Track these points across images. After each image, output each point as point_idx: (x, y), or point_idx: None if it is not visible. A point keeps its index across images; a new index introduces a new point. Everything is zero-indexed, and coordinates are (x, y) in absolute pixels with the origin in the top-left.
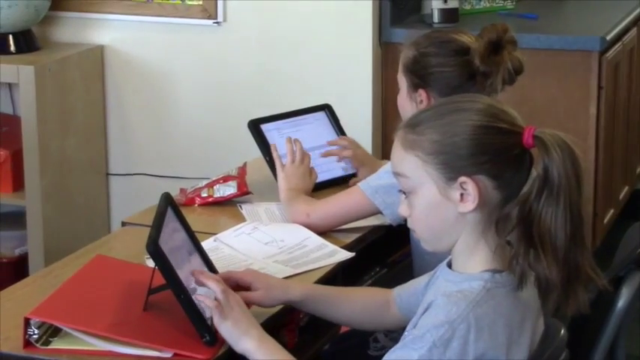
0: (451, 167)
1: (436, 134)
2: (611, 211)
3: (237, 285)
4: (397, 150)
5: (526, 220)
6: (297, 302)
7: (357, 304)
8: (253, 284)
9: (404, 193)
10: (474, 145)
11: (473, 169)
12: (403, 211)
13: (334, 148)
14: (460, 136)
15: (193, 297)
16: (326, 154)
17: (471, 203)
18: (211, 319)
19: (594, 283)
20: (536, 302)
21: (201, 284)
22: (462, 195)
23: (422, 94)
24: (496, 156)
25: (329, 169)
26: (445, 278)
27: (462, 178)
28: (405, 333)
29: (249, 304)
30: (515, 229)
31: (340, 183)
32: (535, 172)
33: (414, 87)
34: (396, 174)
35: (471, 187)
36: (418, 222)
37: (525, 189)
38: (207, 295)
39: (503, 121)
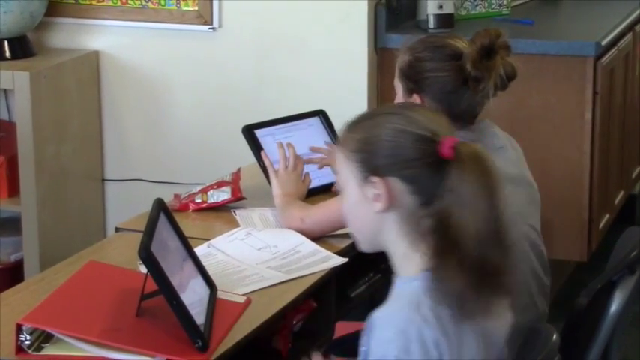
0: (367, 166)
1: (362, 134)
2: (607, 216)
3: None
4: (336, 147)
5: (436, 228)
6: None
7: None
8: None
9: (339, 191)
10: (390, 147)
11: (386, 170)
12: (342, 207)
13: (317, 155)
14: (379, 137)
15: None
16: (306, 162)
17: (381, 204)
18: (204, 324)
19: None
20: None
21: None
22: (376, 195)
23: (416, 99)
24: (411, 161)
25: (324, 174)
26: (394, 285)
27: (375, 178)
28: (362, 348)
29: None
30: (432, 238)
31: None
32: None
33: (409, 92)
34: (334, 171)
35: (381, 187)
36: (347, 220)
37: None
38: (199, 301)
39: (424, 129)
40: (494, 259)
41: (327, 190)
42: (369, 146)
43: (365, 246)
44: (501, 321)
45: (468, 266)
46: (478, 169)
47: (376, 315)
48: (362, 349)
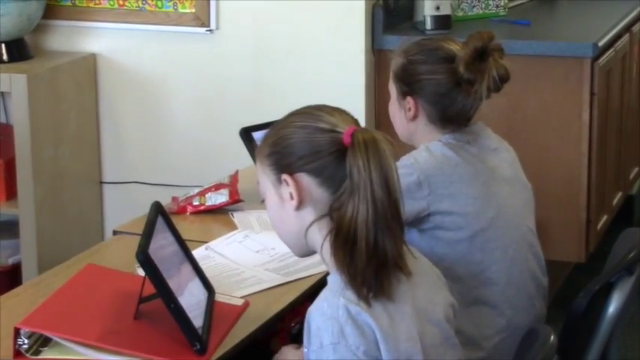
0: (278, 167)
1: (272, 137)
2: (605, 217)
3: None
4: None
5: (336, 216)
6: None
7: None
8: None
9: (263, 200)
10: (293, 144)
11: (293, 167)
12: (269, 215)
13: None
14: (284, 137)
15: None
16: None
17: (294, 201)
18: (202, 327)
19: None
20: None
21: None
22: (290, 194)
23: (410, 101)
24: (314, 154)
25: None
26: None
27: (284, 176)
28: (304, 350)
29: None
30: (329, 224)
31: None
32: None
33: (403, 95)
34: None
35: (291, 184)
36: (275, 227)
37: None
38: (197, 304)
39: (325, 122)
40: (386, 243)
41: None
42: (278, 147)
43: (297, 251)
44: (435, 299)
45: (364, 251)
46: (370, 152)
47: (307, 312)
48: (304, 350)
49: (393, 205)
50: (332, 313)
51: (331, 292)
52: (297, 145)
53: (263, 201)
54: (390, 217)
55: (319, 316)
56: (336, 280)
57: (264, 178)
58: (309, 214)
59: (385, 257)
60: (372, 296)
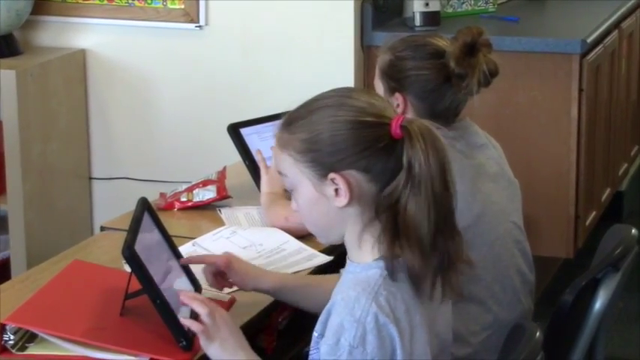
0: (321, 164)
1: (304, 133)
2: (594, 213)
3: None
4: (275, 150)
5: (392, 210)
6: (270, 292)
7: (327, 293)
8: (228, 274)
9: (289, 191)
10: (340, 141)
11: (342, 164)
12: (293, 206)
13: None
14: (325, 134)
15: (181, 320)
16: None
17: (343, 198)
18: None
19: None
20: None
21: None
22: (336, 190)
23: (398, 97)
24: (364, 150)
25: None
26: (346, 270)
27: (332, 175)
28: (315, 334)
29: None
30: (384, 219)
31: None
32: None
33: (391, 91)
34: (279, 173)
35: (341, 182)
36: (304, 218)
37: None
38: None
39: (368, 114)
40: (447, 239)
41: None
42: (317, 144)
43: (322, 238)
44: (442, 308)
45: (424, 245)
46: (428, 142)
47: (333, 298)
48: (314, 334)
49: (449, 198)
50: (360, 317)
51: (365, 292)
52: (341, 142)
53: (287, 191)
54: (447, 211)
55: (346, 314)
56: (372, 276)
57: (296, 173)
58: (352, 209)
59: (447, 256)
60: (418, 294)
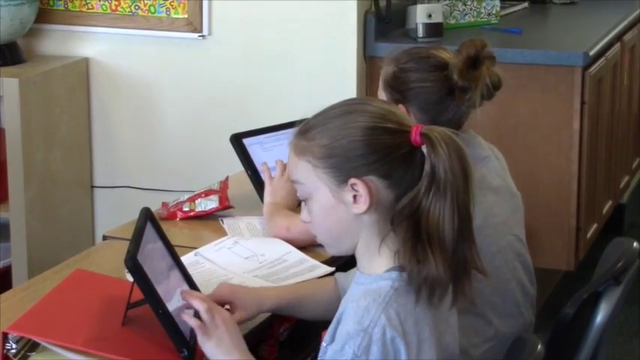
0: (341, 170)
1: (325, 138)
2: (595, 225)
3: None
4: (291, 157)
5: (414, 216)
6: (273, 311)
7: (324, 301)
8: (236, 302)
9: (303, 200)
10: (362, 146)
11: (362, 170)
12: (304, 217)
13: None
14: (347, 139)
15: (182, 315)
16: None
17: (363, 204)
18: (190, 334)
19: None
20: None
21: (187, 302)
22: (354, 197)
23: (402, 109)
24: (385, 156)
25: None
26: (356, 281)
27: (352, 180)
28: (323, 344)
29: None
30: (404, 226)
31: None
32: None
33: (395, 102)
34: (293, 181)
35: (361, 188)
36: (317, 227)
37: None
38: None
39: (390, 121)
40: (465, 245)
41: None
42: (337, 150)
43: (333, 249)
44: (450, 322)
45: (446, 251)
46: (451, 148)
47: (343, 306)
48: (322, 344)
49: (469, 207)
50: (368, 327)
51: (375, 302)
52: (364, 147)
53: (300, 201)
54: (468, 216)
55: (355, 322)
56: (384, 287)
57: (313, 179)
58: (368, 217)
59: (465, 263)
60: (432, 302)
